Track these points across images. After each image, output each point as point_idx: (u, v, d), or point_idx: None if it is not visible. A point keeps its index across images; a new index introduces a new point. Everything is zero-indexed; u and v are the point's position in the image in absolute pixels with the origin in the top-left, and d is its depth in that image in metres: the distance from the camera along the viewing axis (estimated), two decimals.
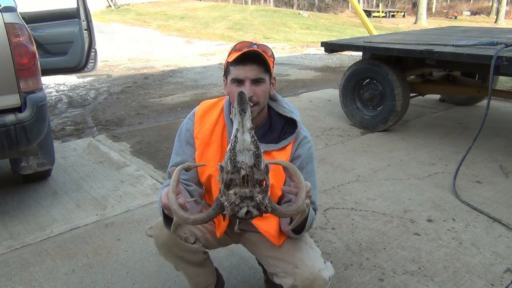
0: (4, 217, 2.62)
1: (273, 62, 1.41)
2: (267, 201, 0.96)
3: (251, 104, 0.99)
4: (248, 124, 1.01)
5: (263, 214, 0.97)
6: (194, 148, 1.46)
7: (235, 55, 1.32)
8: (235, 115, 1.05)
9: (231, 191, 0.95)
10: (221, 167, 0.97)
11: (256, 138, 0.99)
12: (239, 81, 1.33)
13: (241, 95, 1.09)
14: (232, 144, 0.97)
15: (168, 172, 1.41)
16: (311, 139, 1.48)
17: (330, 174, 3.23)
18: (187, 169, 1.09)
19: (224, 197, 0.96)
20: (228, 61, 1.37)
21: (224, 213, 0.97)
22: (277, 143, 1.41)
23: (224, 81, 1.42)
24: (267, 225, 1.44)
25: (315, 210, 1.43)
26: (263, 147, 1.32)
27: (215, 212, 0.99)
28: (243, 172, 0.94)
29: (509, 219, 2.49)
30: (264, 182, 0.97)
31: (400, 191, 2.91)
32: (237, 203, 0.94)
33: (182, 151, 1.47)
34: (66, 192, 2.96)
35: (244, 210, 0.94)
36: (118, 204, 2.78)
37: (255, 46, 1.33)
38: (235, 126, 1.02)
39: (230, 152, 0.96)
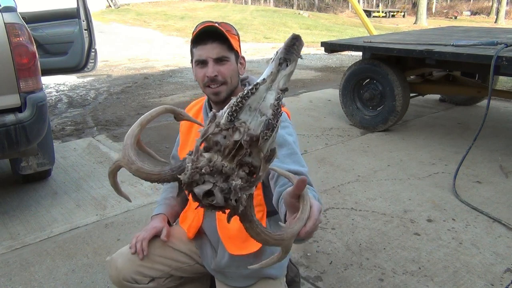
0: (4, 217, 2.62)
1: (239, 40, 1.34)
2: (244, 197, 0.67)
3: (302, 58, 0.69)
4: (282, 82, 0.70)
5: (227, 212, 0.69)
6: (179, 140, 1.51)
7: (195, 34, 1.26)
8: (272, 61, 0.72)
9: (206, 154, 0.67)
10: (214, 116, 0.69)
11: (281, 106, 0.69)
12: (202, 62, 1.27)
13: (295, 40, 0.71)
14: (245, 92, 0.68)
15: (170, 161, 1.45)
16: (287, 121, 1.31)
17: (330, 174, 3.23)
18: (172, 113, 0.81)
19: (193, 157, 0.67)
20: (190, 44, 1.31)
21: (180, 178, 0.68)
22: None
23: (192, 66, 1.34)
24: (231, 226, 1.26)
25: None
26: None
27: (171, 171, 0.71)
28: (237, 137, 0.65)
29: (509, 219, 2.49)
30: (255, 172, 0.69)
31: (400, 191, 2.91)
32: (203, 171, 0.64)
33: (176, 143, 1.54)
34: (66, 192, 2.96)
35: (206, 186, 0.64)
36: (118, 204, 2.78)
37: (217, 24, 1.27)
38: (266, 72, 0.71)
39: (236, 101, 0.67)
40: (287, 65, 0.70)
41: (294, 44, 0.71)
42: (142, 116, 0.78)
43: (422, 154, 3.59)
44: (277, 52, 0.71)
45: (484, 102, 4.51)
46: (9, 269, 2.12)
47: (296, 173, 1.09)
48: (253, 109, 0.67)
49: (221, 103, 1.30)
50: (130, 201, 0.92)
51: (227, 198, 0.64)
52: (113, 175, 0.79)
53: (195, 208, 1.25)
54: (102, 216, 2.62)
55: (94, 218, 2.60)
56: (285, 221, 0.90)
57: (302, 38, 0.71)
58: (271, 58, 0.71)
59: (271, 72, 0.70)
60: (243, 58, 1.37)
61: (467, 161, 3.20)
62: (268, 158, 0.68)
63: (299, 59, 0.71)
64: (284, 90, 0.70)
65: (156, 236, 1.40)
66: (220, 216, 1.32)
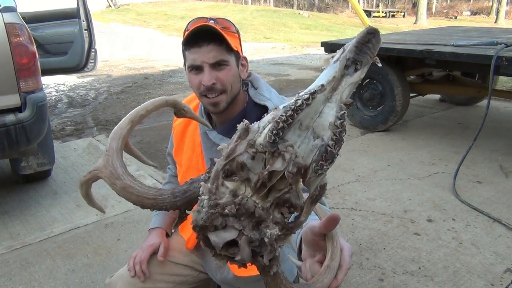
0: (4, 217, 2.62)
1: (239, 38, 1.16)
2: (279, 250, 0.48)
3: (377, 62, 0.52)
4: (347, 93, 0.50)
5: (252, 266, 0.49)
6: (173, 143, 1.37)
7: (186, 35, 1.07)
8: (336, 60, 0.51)
9: (229, 184, 0.47)
10: (246, 129, 0.48)
11: (343, 125, 0.50)
12: (196, 68, 1.09)
13: (371, 35, 0.51)
14: (298, 103, 0.47)
15: (167, 159, 1.42)
16: None
17: (330, 174, 3.23)
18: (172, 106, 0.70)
19: (209, 185, 0.47)
20: (182, 45, 1.11)
21: (187, 212, 0.53)
22: None
23: (185, 70, 1.15)
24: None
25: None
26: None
27: (173, 196, 0.53)
28: (279, 165, 0.45)
29: (509, 219, 2.49)
30: (299, 215, 0.50)
31: (400, 191, 2.91)
32: (226, 212, 0.45)
33: (170, 142, 1.43)
34: (66, 192, 2.96)
35: (229, 234, 0.45)
36: (118, 204, 2.78)
37: (212, 21, 1.07)
38: (325, 76, 0.50)
39: (285, 115, 0.46)
40: (355, 70, 0.50)
41: (369, 41, 0.50)
42: (134, 111, 0.61)
43: (422, 154, 3.59)
44: (343, 50, 0.50)
45: (484, 102, 4.50)
46: (9, 269, 2.12)
47: None
48: (304, 128, 0.47)
49: (220, 114, 1.15)
50: (103, 212, 0.78)
51: (256, 253, 0.45)
52: (86, 187, 0.63)
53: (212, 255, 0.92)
54: (102, 216, 2.62)
55: (94, 218, 2.60)
56: (299, 255, 0.74)
57: (378, 34, 0.50)
58: (332, 56, 0.51)
59: (333, 76, 0.49)
60: (245, 58, 1.18)
61: (467, 161, 3.20)
62: (315, 198, 0.48)
63: (374, 64, 0.49)
64: (349, 105, 0.50)
65: (154, 253, 1.31)
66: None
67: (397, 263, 2.11)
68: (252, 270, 1.20)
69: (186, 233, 1.37)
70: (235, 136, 0.49)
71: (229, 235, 0.44)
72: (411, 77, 4.56)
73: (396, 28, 18.94)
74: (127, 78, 7.54)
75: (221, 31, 1.05)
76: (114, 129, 0.60)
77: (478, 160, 3.40)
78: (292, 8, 33.50)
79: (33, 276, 2.06)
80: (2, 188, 3.05)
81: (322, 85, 0.48)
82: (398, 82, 3.92)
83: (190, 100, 1.33)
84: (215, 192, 0.46)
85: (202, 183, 0.49)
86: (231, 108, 1.15)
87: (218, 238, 0.44)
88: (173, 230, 1.43)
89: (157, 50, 11.29)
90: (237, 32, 1.14)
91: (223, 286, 1.39)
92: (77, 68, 4.74)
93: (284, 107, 0.48)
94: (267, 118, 0.49)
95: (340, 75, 0.49)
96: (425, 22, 22.40)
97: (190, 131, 1.28)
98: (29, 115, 2.42)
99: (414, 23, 22.36)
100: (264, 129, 0.47)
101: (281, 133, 0.45)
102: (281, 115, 0.46)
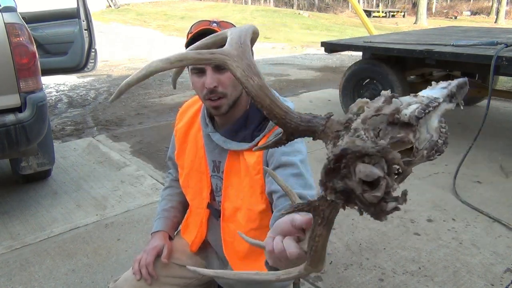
0: (4, 217, 2.62)
1: None
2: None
3: (462, 105, 0.60)
4: (440, 113, 0.58)
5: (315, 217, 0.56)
6: (175, 146, 1.35)
7: (189, 38, 1.10)
8: (443, 88, 0.59)
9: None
10: (391, 97, 0.53)
11: (447, 132, 0.59)
12: (199, 70, 1.10)
13: (466, 84, 0.59)
14: (437, 99, 0.56)
15: (167, 163, 1.39)
16: None
17: None
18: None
19: (362, 122, 0.51)
20: (185, 47, 1.11)
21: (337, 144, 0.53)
22: (251, 141, 1.15)
23: (188, 71, 1.16)
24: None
25: None
26: (234, 145, 1.16)
27: (300, 120, 0.56)
28: (411, 137, 0.50)
29: (509, 219, 2.49)
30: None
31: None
32: (378, 146, 0.48)
33: (172, 145, 1.39)
34: (66, 192, 2.96)
35: (376, 171, 0.47)
36: (118, 204, 2.78)
37: (215, 24, 1.09)
38: (433, 94, 0.58)
39: (436, 100, 0.55)
40: (450, 101, 0.59)
41: (462, 88, 0.60)
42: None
43: None
44: (449, 83, 0.60)
45: (484, 102, 4.50)
46: (9, 269, 2.12)
47: (299, 196, 0.94)
48: (429, 129, 0.55)
49: (223, 116, 1.16)
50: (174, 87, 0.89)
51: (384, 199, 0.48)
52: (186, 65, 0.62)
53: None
54: (102, 216, 2.62)
55: (94, 218, 2.60)
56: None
57: (467, 85, 0.61)
58: (437, 83, 0.61)
59: (440, 98, 0.58)
60: None
61: (467, 161, 3.19)
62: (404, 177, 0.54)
63: (456, 103, 0.60)
64: (442, 127, 0.59)
65: (158, 256, 1.30)
66: (226, 237, 1.23)
67: (397, 263, 2.11)
68: (259, 269, 1.20)
69: (189, 236, 1.36)
70: (381, 98, 0.53)
71: (377, 172, 0.47)
72: (411, 77, 4.56)
73: (396, 28, 18.94)
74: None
75: None
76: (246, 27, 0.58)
77: (478, 160, 3.40)
78: (292, 8, 33.50)
79: (33, 276, 2.06)
80: (2, 188, 3.05)
81: (439, 98, 0.56)
82: (398, 82, 3.92)
83: (193, 102, 1.33)
84: (365, 128, 0.50)
85: (350, 112, 0.53)
86: (233, 111, 1.16)
87: (369, 170, 0.47)
88: (175, 234, 1.42)
89: (157, 50, 11.29)
90: None
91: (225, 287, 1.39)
92: (77, 68, 4.74)
93: (428, 98, 0.54)
94: (407, 98, 0.55)
95: (443, 99, 0.57)
96: (425, 22, 22.41)
97: (193, 134, 1.28)
98: (29, 115, 2.42)
99: (414, 23, 22.37)
100: (409, 105, 0.53)
101: (424, 115, 0.52)
102: (432, 101, 0.53)
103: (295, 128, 0.56)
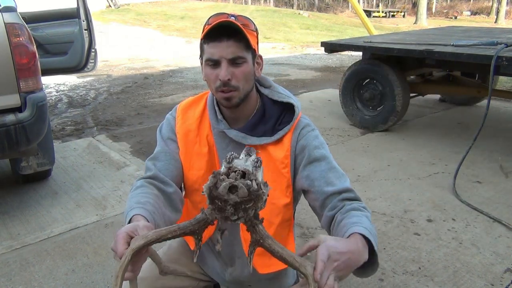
0: (4, 217, 2.62)
1: (257, 37, 1.17)
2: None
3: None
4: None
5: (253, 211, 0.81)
6: (177, 144, 1.24)
7: (207, 29, 1.09)
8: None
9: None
10: (248, 151, 0.91)
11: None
12: (214, 62, 1.09)
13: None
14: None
15: (146, 164, 1.21)
16: (315, 127, 1.25)
17: None
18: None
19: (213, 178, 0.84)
20: (201, 39, 1.12)
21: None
22: (271, 135, 1.16)
23: (201, 63, 1.16)
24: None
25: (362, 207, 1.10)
26: (255, 140, 1.16)
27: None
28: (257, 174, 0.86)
29: (509, 219, 2.49)
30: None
31: (400, 191, 2.91)
32: (222, 176, 0.83)
33: (164, 143, 1.24)
34: (66, 192, 2.96)
35: (230, 180, 0.80)
36: (118, 204, 2.78)
37: (233, 18, 1.09)
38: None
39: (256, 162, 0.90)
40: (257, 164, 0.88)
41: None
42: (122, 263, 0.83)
43: (422, 154, 3.59)
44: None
45: (484, 102, 4.50)
46: (9, 269, 2.12)
47: (345, 191, 1.14)
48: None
49: (234, 109, 1.15)
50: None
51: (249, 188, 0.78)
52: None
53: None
54: (102, 216, 2.62)
55: (94, 218, 2.60)
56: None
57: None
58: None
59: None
60: (260, 57, 1.18)
61: (467, 161, 3.20)
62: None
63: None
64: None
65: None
66: (245, 234, 1.18)
67: (397, 263, 2.11)
68: (275, 265, 1.21)
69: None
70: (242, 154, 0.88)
71: (230, 181, 0.79)
72: (411, 77, 4.56)
73: (396, 28, 18.94)
74: (127, 78, 7.54)
75: (241, 27, 1.06)
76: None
77: (478, 160, 3.40)
78: (292, 8, 33.50)
79: (33, 276, 2.06)
80: (2, 188, 3.05)
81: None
82: (398, 82, 3.93)
83: (199, 98, 1.28)
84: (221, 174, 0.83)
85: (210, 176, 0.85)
86: (244, 105, 1.16)
87: (223, 186, 0.79)
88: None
89: (157, 50, 11.29)
90: (256, 30, 1.16)
91: (231, 286, 1.39)
92: (77, 68, 4.73)
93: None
94: (243, 156, 0.87)
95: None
96: (425, 22, 22.40)
97: (203, 133, 1.23)
98: (29, 115, 2.41)
99: (414, 23, 22.36)
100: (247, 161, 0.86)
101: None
102: (256, 164, 0.85)
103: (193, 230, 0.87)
